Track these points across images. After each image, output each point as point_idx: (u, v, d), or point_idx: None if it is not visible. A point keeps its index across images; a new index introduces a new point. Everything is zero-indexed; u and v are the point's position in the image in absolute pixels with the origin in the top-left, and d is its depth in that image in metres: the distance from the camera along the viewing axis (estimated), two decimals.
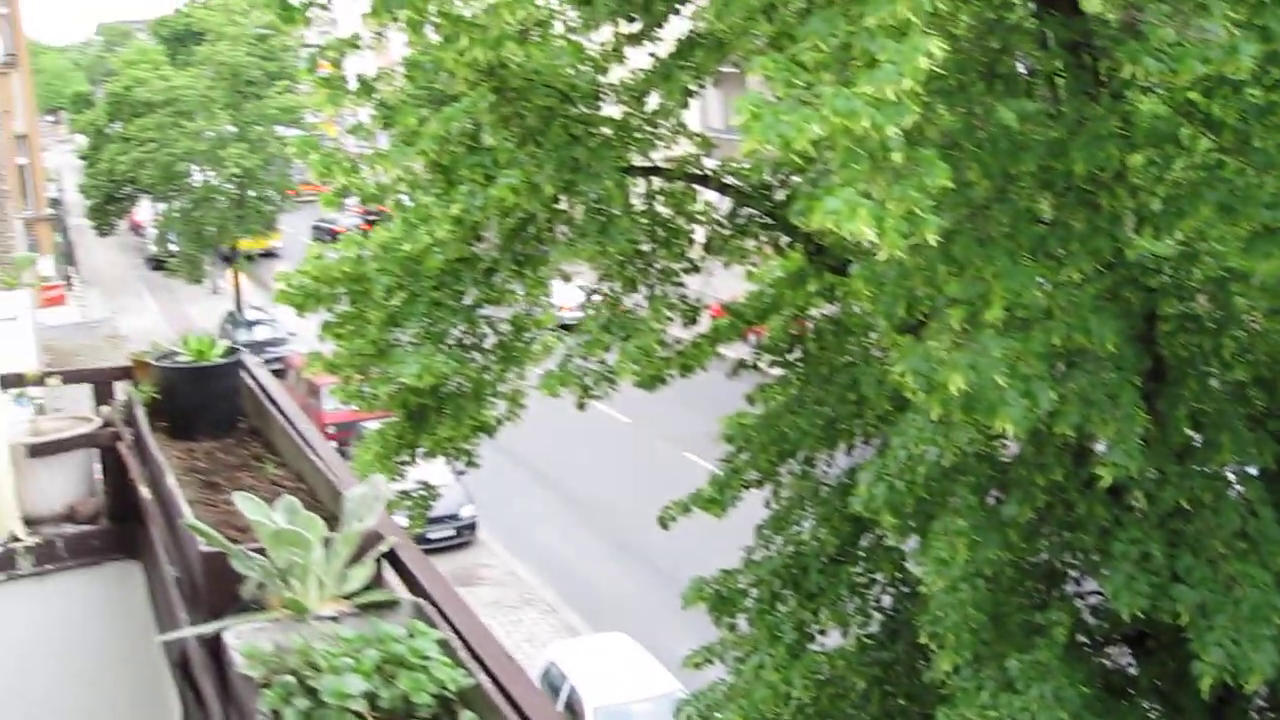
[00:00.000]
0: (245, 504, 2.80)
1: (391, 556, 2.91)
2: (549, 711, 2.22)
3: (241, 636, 2.48)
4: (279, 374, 39.59)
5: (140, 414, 4.29)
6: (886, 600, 13.42)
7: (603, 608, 29.81)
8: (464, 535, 33.44)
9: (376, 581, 2.79)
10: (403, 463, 14.68)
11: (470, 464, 15.22)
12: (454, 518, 32.71)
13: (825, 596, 12.84)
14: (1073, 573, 12.08)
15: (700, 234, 14.12)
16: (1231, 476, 10.57)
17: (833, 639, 13.31)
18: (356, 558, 2.76)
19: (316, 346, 14.38)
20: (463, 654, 2.40)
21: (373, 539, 2.81)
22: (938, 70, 7.23)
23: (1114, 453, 9.19)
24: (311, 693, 2.23)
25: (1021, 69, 10.66)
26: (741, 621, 13.63)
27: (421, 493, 15.50)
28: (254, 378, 4.51)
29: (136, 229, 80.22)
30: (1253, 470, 10.85)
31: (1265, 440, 10.40)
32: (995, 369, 8.48)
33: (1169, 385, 10.30)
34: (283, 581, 2.66)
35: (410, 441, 14.36)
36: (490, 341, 14.38)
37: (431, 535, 31.27)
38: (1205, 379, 10.43)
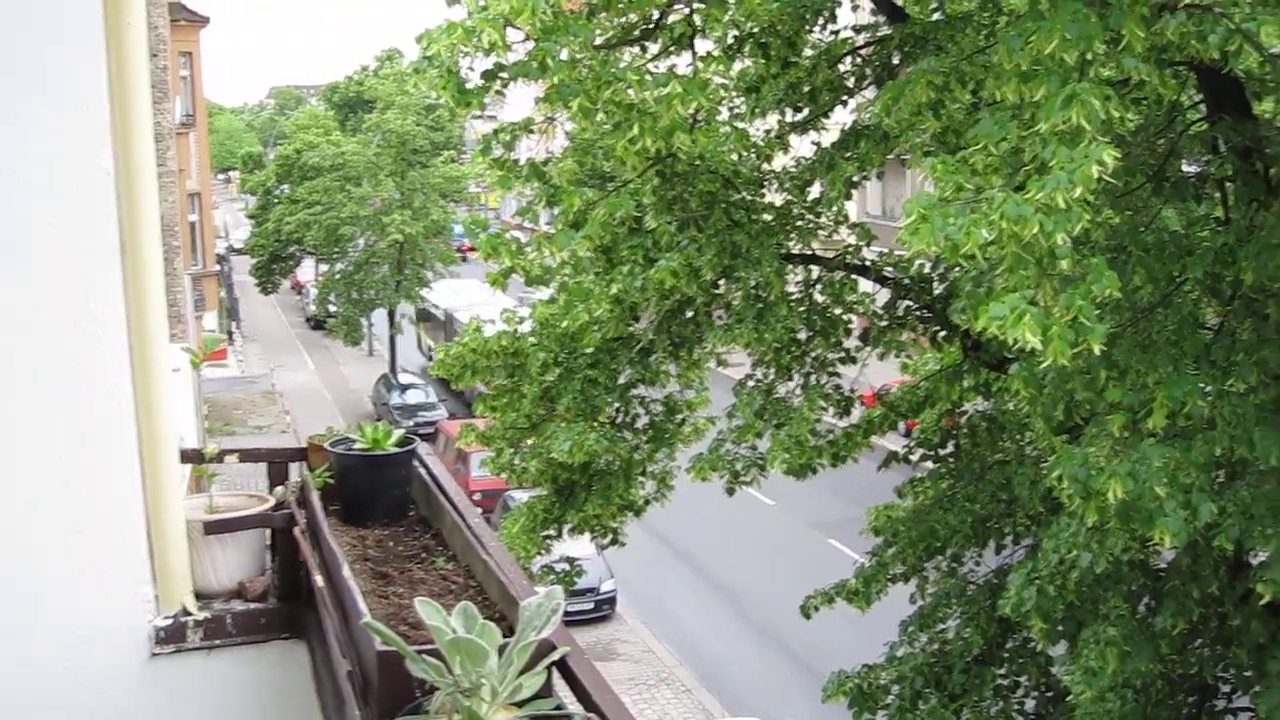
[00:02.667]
0: (424, 609, 2.86)
1: (562, 665, 2.96)
2: None
3: None
4: (429, 438, 40.04)
5: (314, 498, 4.40)
6: (1030, 705, 13.20)
7: (739, 691, 29.61)
8: (603, 609, 33.42)
9: (546, 689, 2.84)
10: (548, 537, 14.79)
11: (616, 542, 15.29)
12: (594, 591, 32.71)
13: (968, 698, 12.66)
14: (1225, 688, 11.80)
15: (857, 325, 14.11)
16: None
17: None
18: (529, 666, 2.81)
19: (469, 417, 14.58)
20: None
21: (546, 647, 2.87)
22: (1107, 177, 7.19)
23: (1274, 568, 8.98)
24: None
25: (1192, 171, 10.56)
26: (881, 718, 13.47)
27: (565, 568, 15.59)
28: (426, 468, 4.61)
29: (298, 288, 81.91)
30: None
31: None
32: (1155, 479, 8.36)
33: None
34: (457, 688, 2.72)
35: (558, 516, 14.47)
36: (642, 421, 14.48)
37: (571, 608, 31.25)
38: None
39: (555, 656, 2.87)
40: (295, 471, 4.88)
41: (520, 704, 2.72)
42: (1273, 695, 9.57)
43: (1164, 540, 8.61)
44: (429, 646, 2.83)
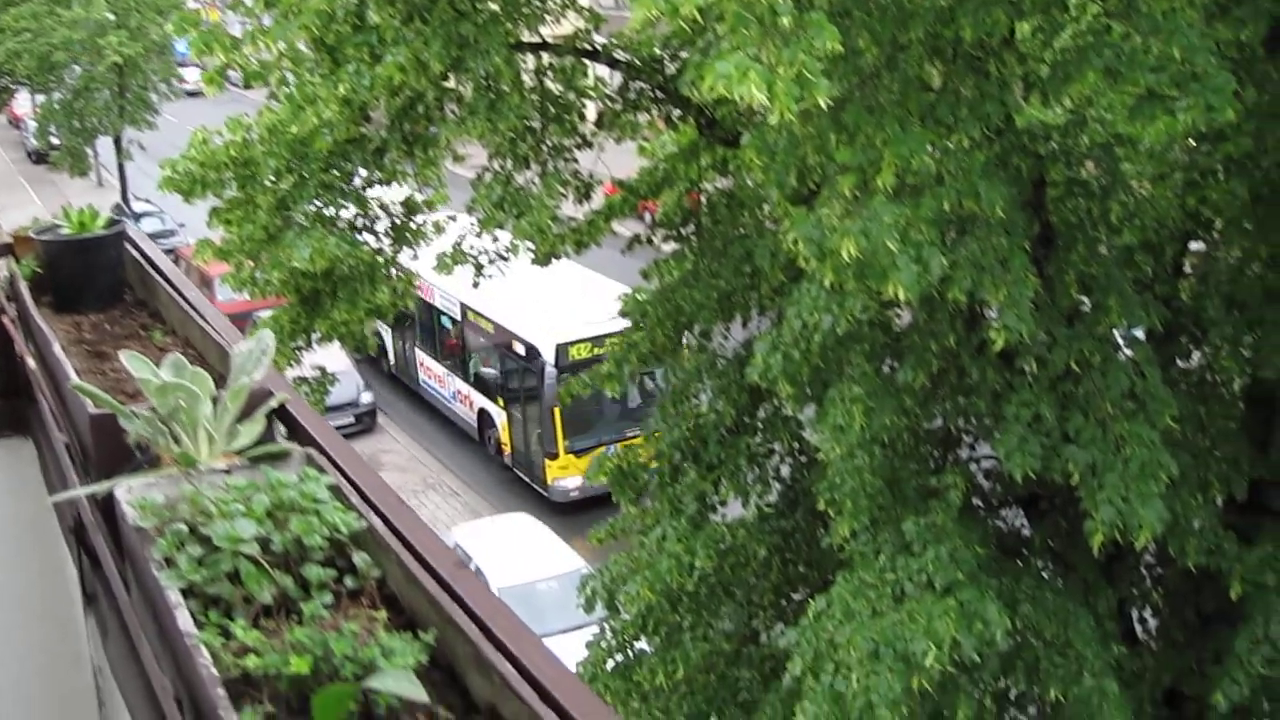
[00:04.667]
0: (132, 362, 2.76)
1: (283, 414, 2.89)
2: (440, 548, 2.22)
3: (133, 491, 2.46)
4: None
5: (23, 289, 4.21)
6: (785, 470, 13.55)
7: (503, 492, 29.92)
8: (364, 422, 33.34)
9: (268, 436, 2.77)
10: (298, 348, 14.58)
11: (365, 348, 15.16)
12: (353, 404, 32.58)
13: (725, 468, 12.95)
14: (967, 437, 12.26)
15: (591, 110, 14.03)
16: (1120, 339, 10.73)
17: (734, 509, 13.43)
18: (246, 414, 2.74)
19: (206, 235, 14.18)
20: (354, 499, 2.40)
21: (262, 395, 2.79)
22: None
23: (1005, 317, 9.28)
24: (204, 540, 2.23)
25: None
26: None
27: (318, 377, 15.42)
28: (138, 248, 4.44)
29: (16, 123, 78.27)
30: (1140, 332, 11.04)
31: (1152, 303, 10.55)
32: (886, 235, 8.53)
33: (1058, 250, 10.42)
34: (172, 437, 2.64)
35: (305, 326, 14.26)
36: (382, 223, 14.28)
37: (331, 423, 31.08)
38: (1093, 244, 10.55)
39: (273, 404, 2.80)
40: (3, 267, 4.66)
41: (241, 452, 2.65)
42: (1009, 438, 9.93)
43: (899, 295, 8.82)
44: (146, 406, 2.74)
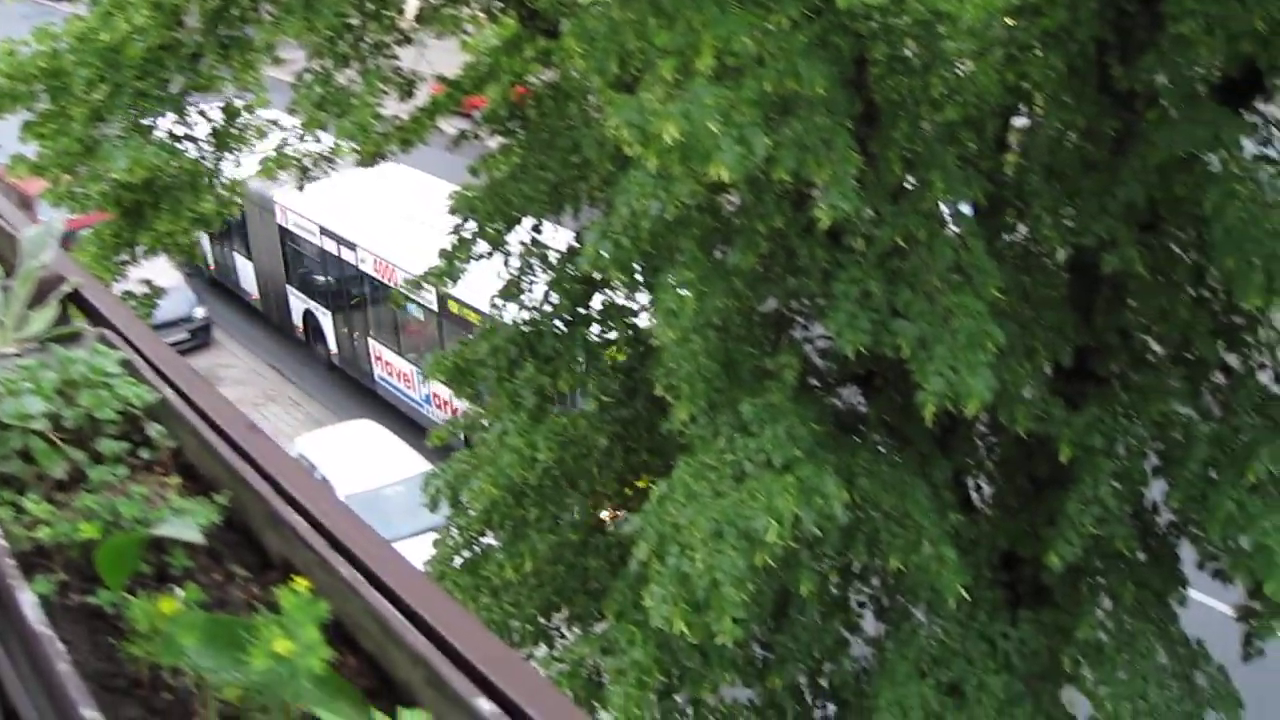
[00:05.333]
0: None
1: (79, 300, 2.83)
2: (236, 416, 2.20)
3: None
4: None
5: None
6: (624, 359, 13.59)
7: (343, 400, 29.73)
8: (199, 338, 32.85)
9: (63, 323, 2.71)
10: (123, 262, 14.28)
11: (193, 258, 14.88)
12: (187, 320, 32.07)
13: (562, 360, 12.95)
14: (800, 317, 12.39)
15: (412, 5, 13.80)
16: (947, 214, 10.88)
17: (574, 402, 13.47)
18: (38, 300, 2.68)
19: (20, 151, 13.75)
20: (148, 374, 2.36)
21: (54, 281, 2.73)
22: None
23: (830, 195, 9.34)
24: None
25: None
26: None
27: (146, 291, 15.11)
28: None
29: None
30: (965, 207, 11.21)
31: (975, 177, 10.71)
32: (708, 117, 8.54)
33: (881, 128, 10.50)
34: None
35: (129, 239, 13.95)
36: (203, 130, 13.97)
37: (167, 340, 30.77)
38: (916, 121, 10.65)
39: (66, 289, 2.74)
40: None
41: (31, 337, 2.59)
42: (840, 316, 10.04)
43: (723, 177, 8.84)
44: None
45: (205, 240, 32.47)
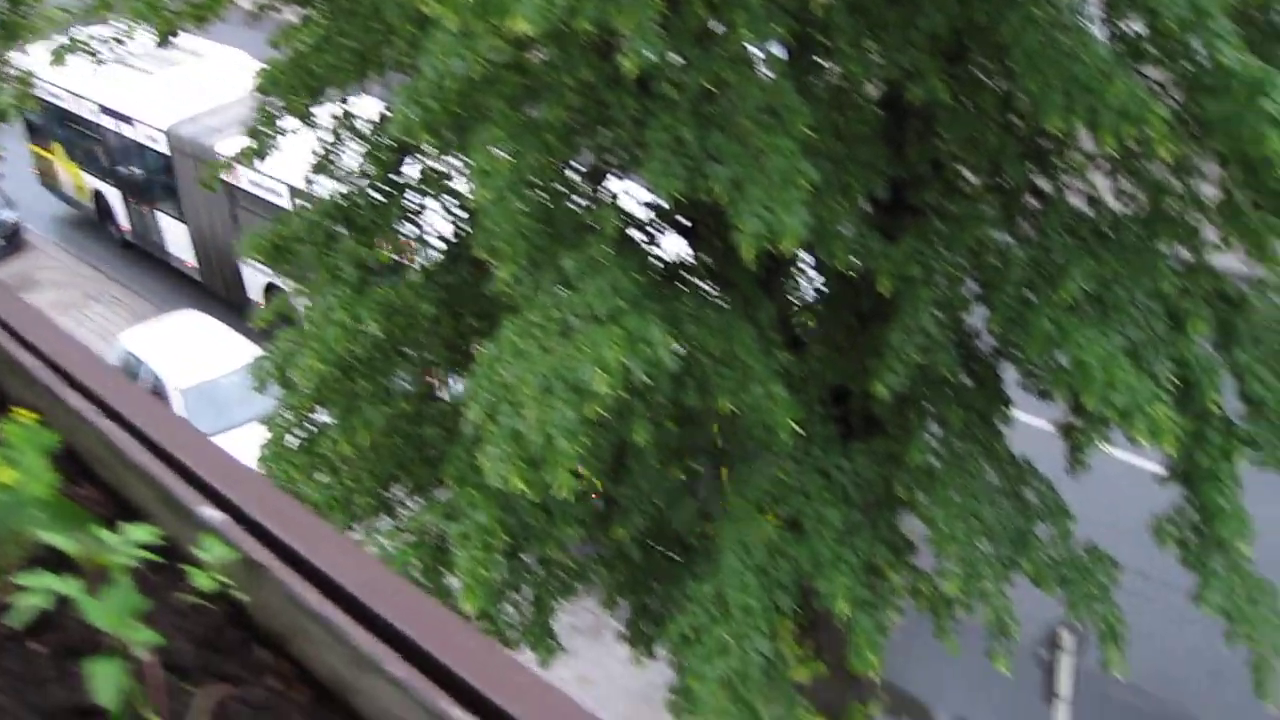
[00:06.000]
0: None
1: None
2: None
3: None
4: None
5: None
6: (445, 225, 13.47)
7: (170, 292, 29.21)
8: (12, 242, 32.00)
9: None
10: None
11: None
12: None
13: (381, 229, 12.80)
14: (617, 170, 12.35)
15: None
16: (757, 55, 10.84)
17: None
18: None
19: None
20: None
21: None
22: None
23: (634, 43, 9.27)
24: None
25: None
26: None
27: None
28: None
29: None
30: (776, 48, 11.19)
31: (780, 16, 10.66)
32: None
33: None
34: None
35: None
36: None
37: None
38: None
39: None
40: None
41: None
42: (654, 164, 10.00)
43: (525, 29, 8.72)
44: None
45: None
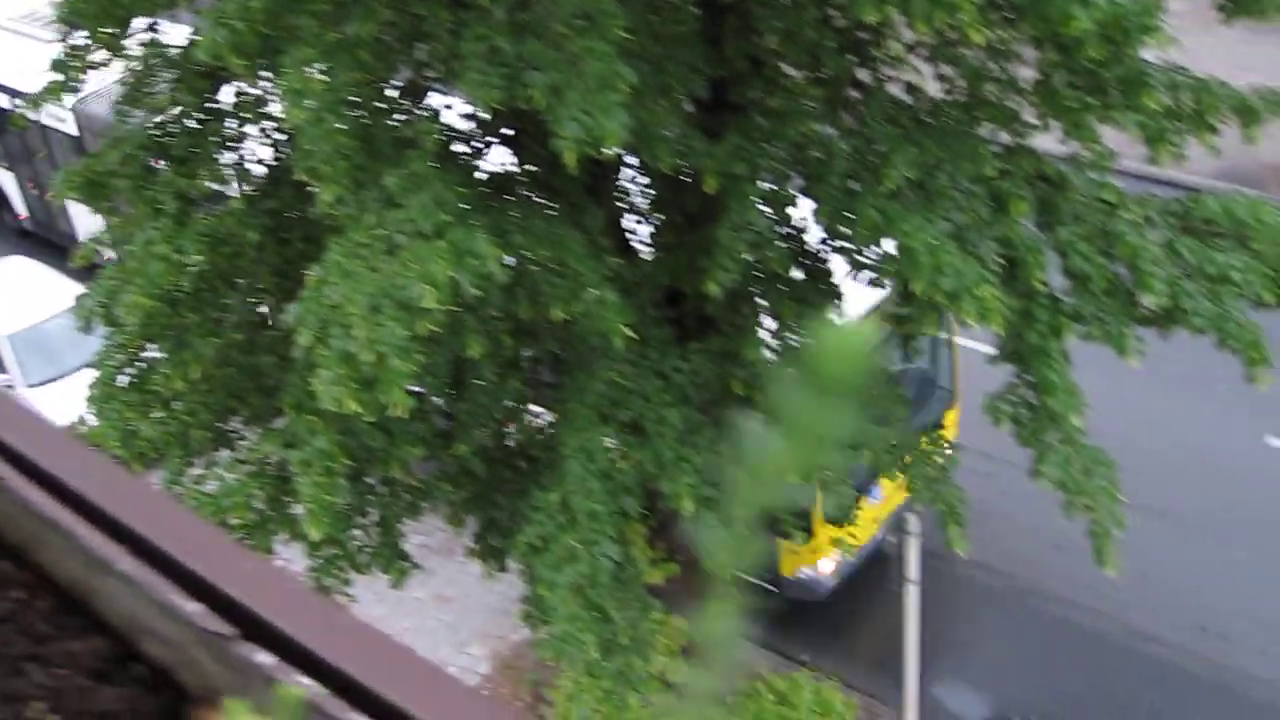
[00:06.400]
0: None
1: None
2: None
3: None
4: None
5: None
6: (266, 153, 13.21)
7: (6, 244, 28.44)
8: None
9: None
10: None
11: None
12: None
13: (199, 159, 12.52)
14: (436, 84, 12.19)
15: None
16: None
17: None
18: None
19: None
20: None
21: None
22: None
23: None
24: None
25: None
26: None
27: None
28: None
29: None
30: None
31: None
32: None
33: None
34: None
35: None
36: None
37: None
38: None
39: None
40: None
41: None
42: (471, 75, 9.87)
43: None
44: None
45: None
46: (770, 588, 17.03)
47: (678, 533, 12.99)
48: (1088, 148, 11.47)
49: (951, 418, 18.19)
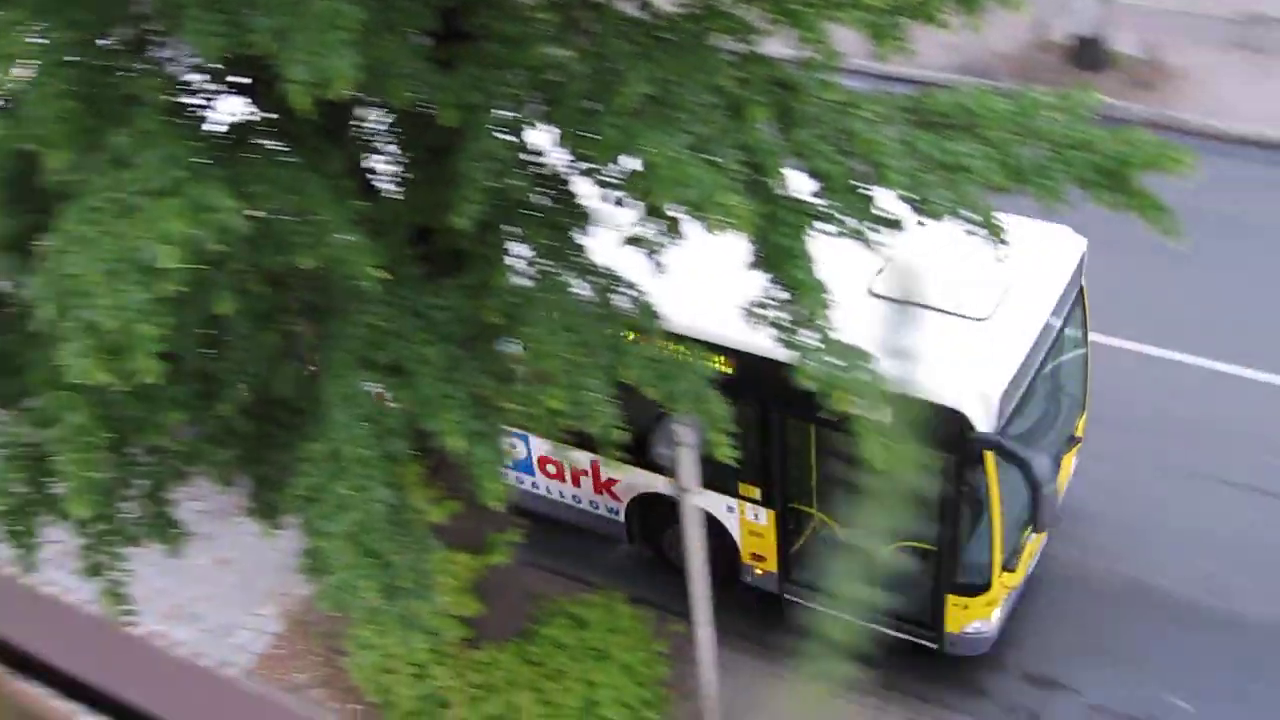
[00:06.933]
0: None
1: None
2: None
3: None
4: None
5: None
6: None
7: None
8: None
9: None
10: None
11: None
12: None
13: None
14: (159, 37, 11.84)
15: None
16: None
17: None
18: None
19: None
20: None
21: None
22: None
23: None
24: None
25: None
26: None
27: None
28: None
29: None
30: None
31: None
32: None
33: None
34: None
35: None
36: None
37: None
38: None
39: None
40: None
41: None
42: (192, 24, 9.62)
43: None
44: None
45: None
46: (930, 645, 17.38)
47: (453, 470, 12.94)
48: (816, 49, 11.60)
49: (1082, 423, 18.73)
